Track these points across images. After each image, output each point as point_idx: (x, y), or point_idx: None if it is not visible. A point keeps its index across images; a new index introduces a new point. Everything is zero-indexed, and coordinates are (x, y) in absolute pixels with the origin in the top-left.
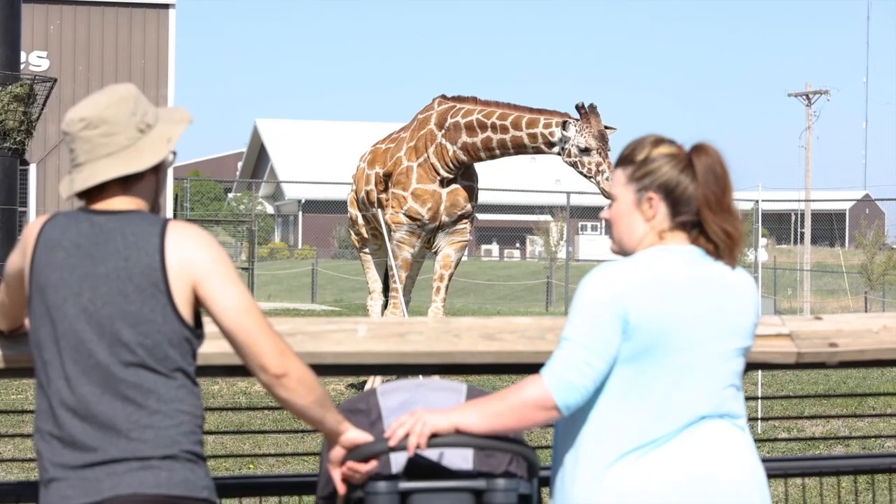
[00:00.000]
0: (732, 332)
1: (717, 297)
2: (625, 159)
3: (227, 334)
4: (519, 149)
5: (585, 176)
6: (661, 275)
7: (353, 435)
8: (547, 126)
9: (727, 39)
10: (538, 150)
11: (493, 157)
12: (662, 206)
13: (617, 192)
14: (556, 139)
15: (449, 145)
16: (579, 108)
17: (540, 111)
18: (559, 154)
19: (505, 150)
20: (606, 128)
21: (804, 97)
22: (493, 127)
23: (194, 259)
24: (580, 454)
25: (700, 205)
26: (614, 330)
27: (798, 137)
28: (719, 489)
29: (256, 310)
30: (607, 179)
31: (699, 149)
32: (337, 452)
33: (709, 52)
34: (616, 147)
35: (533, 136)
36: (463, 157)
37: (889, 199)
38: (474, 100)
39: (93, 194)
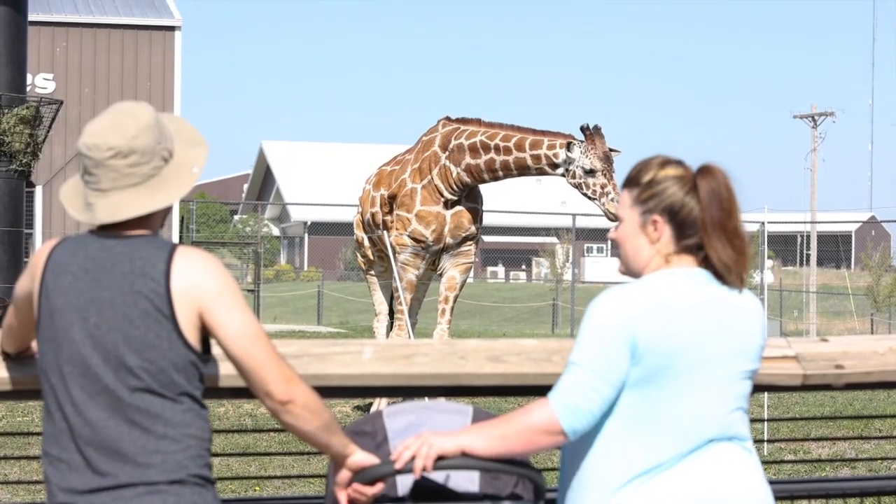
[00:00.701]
0: (740, 355)
1: (725, 320)
2: (631, 181)
3: (233, 361)
4: (522, 170)
5: (590, 198)
6: (668, 299)
7: (360, 458)
8: (551, 147)
9: (734, 61)
10: (542, 172)
11: (496, 178)
12: (668, 229)
13: (623, 214)
14: (560, 161)
15: (453, 167)
16: (584, 129)
17: (544, 132)
18: (563, 176)
19: (508, 171)
20: (611, 150)
21: (810, 119)
22: (497, 149)
23: (201, 286)
24: (587, 478)
25: (700, 228)
26: (622, 355)
27: (804, 159)
28: None
29: (263, 337)
30: (612, 201)
31: (704, 170)
32: (343, 475)
33: (716, 74)
34: (621, 168)
35: (536, 158)
36: (466, 179)
37: (895, 221)
38: (478, 121)
39: None
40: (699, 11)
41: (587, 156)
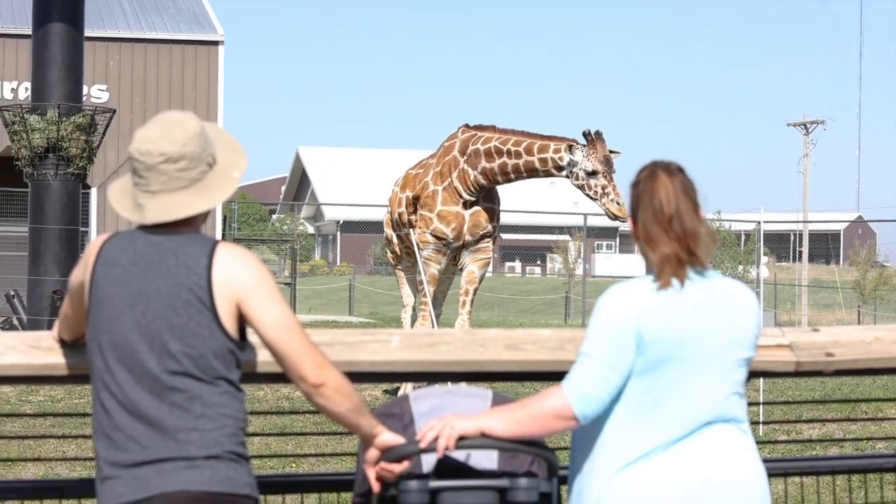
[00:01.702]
0: (736, 344)
1: (723, 312)
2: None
3: (269, 348)
4: (531, 173)
5: (591, 198)
6: (671, 293)
7: (387, 437)
8: (556, 151)
9: (733, 75)
10: (549, 174)
11: (508, 180)
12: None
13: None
14: (564, 163)
15: (470, 170)
16: (586, 134)
17: (550, 138)
18: (568, 177)
19: (519, 174)
20: (612, 152)
21: (802, 127)
22: (509, 153)
23: (239, 279)
24: (595, 458)
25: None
26: (629, 346)
27: (796, 164)
28: (724, 490)
29: (297, 326)
30: (612, 201)
31: (644, 173)
32: (372, 453)
33: (715, 86)
34: (621, 170)
35: (544, 161)
36: (483, 181)
37: (880, 221)
38: (493, 128)
39: None
40: (701, 28)
41: (588, 159)
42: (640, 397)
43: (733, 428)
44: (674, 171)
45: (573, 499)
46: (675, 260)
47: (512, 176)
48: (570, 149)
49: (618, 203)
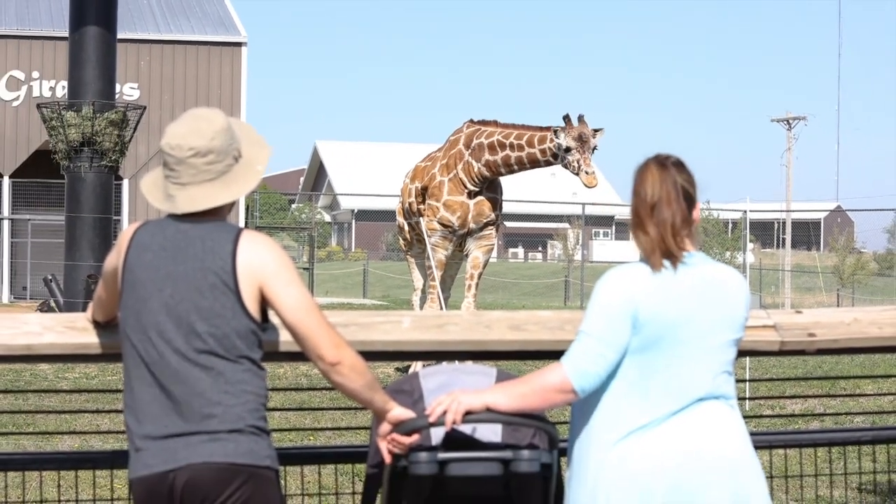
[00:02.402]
0: (727, 325)
1: (715, 295)
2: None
3: (289, 329)
4: (534, 164)
5: (572, 173)
6: (667, 277)
7: (398, 412)
8: (551, 140)
9: (719, 73)
10: (549, 163)
11: (511, 172)
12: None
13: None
14: (556, 149)
15: (474, 163)
16: (565, 117)
17: (546, 128)
18: (560, 163)
19: (522, 165)
20: (595, 131)
21: (785, 122)
22: (511, 146)
23: (262, 264)
24: (593, 431)
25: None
26: (625, 325)
27: (780, 157)
28: (715, 461)
29: (315, 308)
30: (586, 174)
31: (641, 167)
32: (384, 427)
33: (702, 84)
34: (612, 157)
35: (543, 151)
36: (486, 173)
37: (858, 210)
38: (495, 122)
39: None
40: (690, 29)
41: (566, 138)
42: (636, 375)
43: (723, 404)
44: (667, 163)
45: (572, 469)
46: (658, 245)
47: (515, 167)
48: (555, 133)
49: (586, 172)
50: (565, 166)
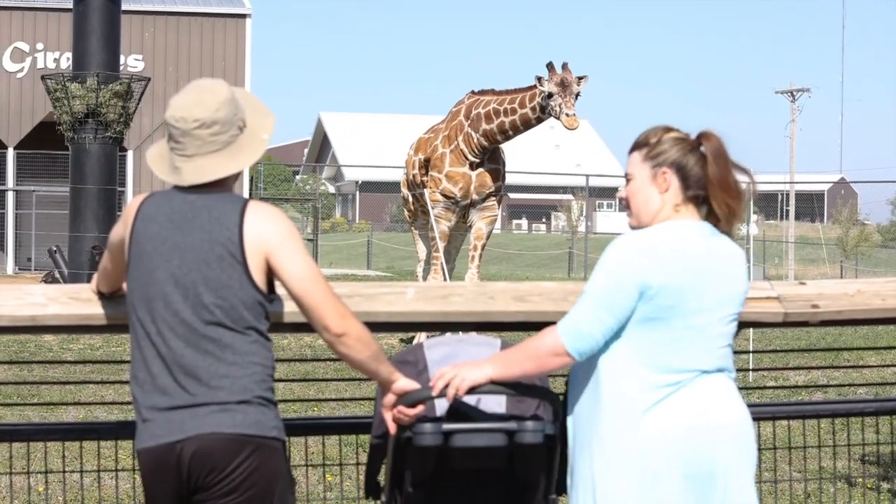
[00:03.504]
0: (731, 299)
1: (721, 268)
2: (639, 144)
3: (295, 299)
4: (527, 124)
5: (555, 118)
6: (678, 247)
7: (403, 383)
8: (539, 94)
9: (722, 43)
10: (540, 120)
11: (508, 138)
12: (675, 181)
13: (633, 172)
14: (544, 102)
15: (474, 133)
16: (548, 65)
17: (534, 86)
18: (550, 115)
19: (516, 129)
20: (579, 78)
21: (789, 94)
22: (506, 112)
23: (268, 234)
24: (601, 406)
25: (708, 183)
26: (630, 293)
27: (783, 129)
28: (718, 430)
29: (321, 278)
30: (566, 115)
31: (706, 135)
32: (389, 398)
33: (706, 55)
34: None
35: (533, 109)
36: (485, 143)
37: (861, 182)
38: (493, 91)
39: None
40: (695, 4)
41: (548, 84)
42: (643, 346)
43: (725, 376)
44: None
45: (578, 444)
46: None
47: (511, 133)
48: (539, 82)
49: (567, 114)
50: (549, 115)
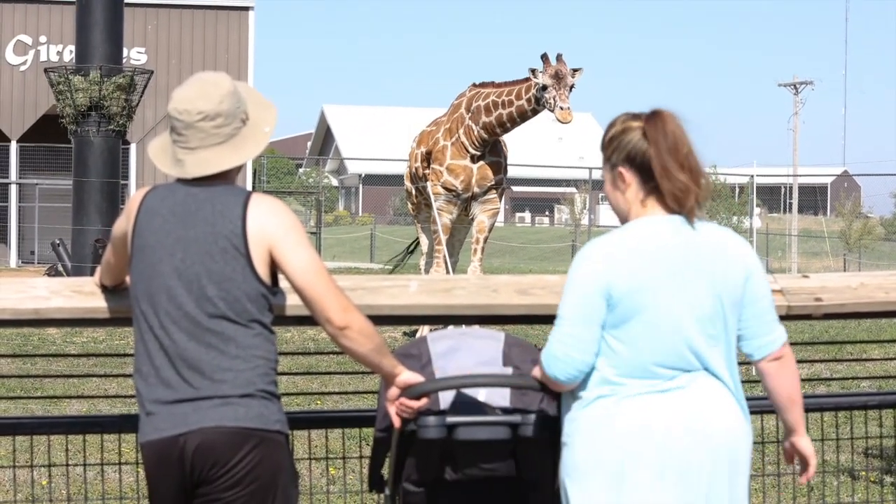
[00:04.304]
0: (718, 291)
1: (699, 259)
2: (601, 144)
3: (298, 292)
4: (523, 115)
5: (549, 110)
6: (639, 247)
7: (407, 376)
8: (535, 86)
9: (725, 36)
10: (536, 111)
11: (506, 130)
12: (633, 177)
13: (604, 174)
14: (539, 94)
15: (474, 126)
16: (543, 56)
17: (529, 78)
18: (545, 107)
19: (513, 121)
20: (574, 70)
21: (792, 87)
22: (503, 104)
23: (271, 227)
24: (579, 401)
25: (652, 166)
26: (597, 302)
27: (787, 121)
28: (697, 435)
29: (324, 271)
30: (560, 109)
31: (651, 115)
32: (392, 391)
33: (709, 48)
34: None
35: (529, 100)
36: (484, 135)
37: (864, 175)
38: (492, 84)
39: None
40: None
41: (543, 77)
42: (618, 346)
43: (713, 379)
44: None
45: (564, 431)
46: (688, 194)
47: (508, 125)
48: (533, 74)
49: (561, 107)
50: (543, 106)
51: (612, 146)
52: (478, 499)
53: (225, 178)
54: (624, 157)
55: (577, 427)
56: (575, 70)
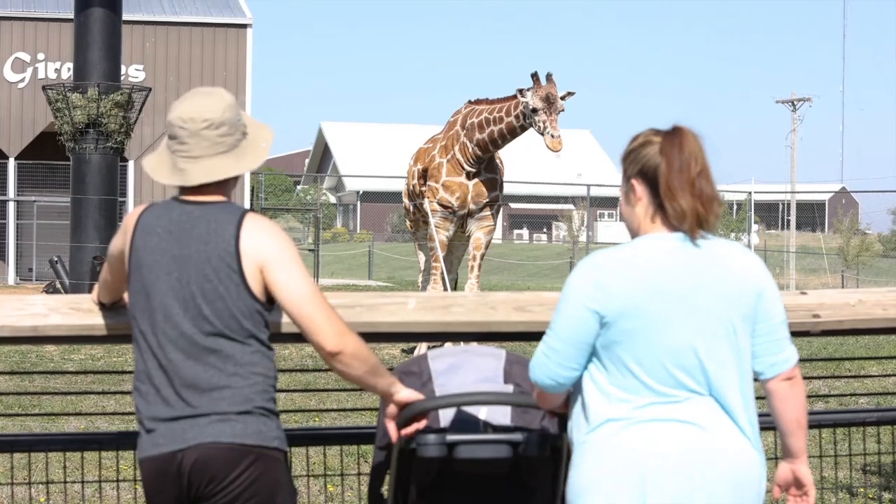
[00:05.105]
0: (725, 310)
1: (705, 280)
2: (621, 157)
3: (290, 316)
4: (512, 132)
5: (538, 133)
6: (637, 264)
7: (406, 394)
8: (522, 104)
9: (723, 53)
10: (524, 128)
11: (497, 147)
12: (645, 191)
13: (620, 189)
14: (526, 109)
15: (468, 143)
16: (533, 76)
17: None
18: (532, 125)
19: (504, 138)
20: (568, 93)
21: (790, 104)
22: (495, 121)
23: (263, 247)
24: (583, 424)
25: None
26: (585, 319)
27: (784, 138)
28: (700, 459)
29: (316, 294)
30: (551, 136)
31: (669, 132)
32: (391, 409)
33: (707, 65)
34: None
35: (517, 117)
36: (479, 152)
37: (862, 191)
38: (487, 101)
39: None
40: (695, 8)
41: (533, 98)
42: (616, 368)
43: (712, 403)
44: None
45: (574, 450)
46: (693, 216)
47: (499, 142)
48: (521, 93)
49: (552, 135)
50: (531, 125)
51: (630, 159)
52: None
53: (221, 193)
54: (637, 171)
55: (584, 451)
56: (566, 94)
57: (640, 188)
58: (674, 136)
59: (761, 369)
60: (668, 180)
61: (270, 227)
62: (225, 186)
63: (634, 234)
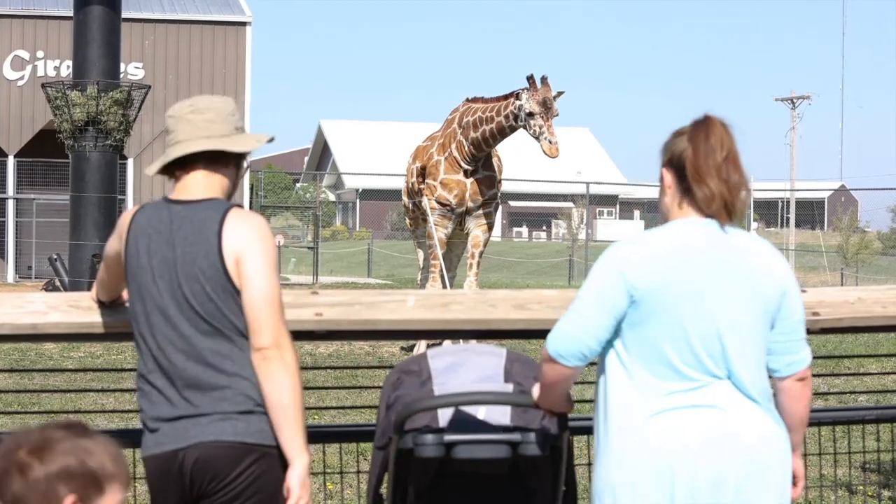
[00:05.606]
0: (752, 300)
1: (732, 267)
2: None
3: (243, 309)
4: (502, 132)
5: (533, 137)
6: (666, 248)
7: (296, 474)
8: (512, 104)
9: (723, 51)
10: (514, 129)
11: (489, 146)
12: (673, 179)
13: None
14: (518, 111)
15: (465, 141)
16: (529, 78)
17: (512, 94)
18: (524, 127)
19: (494, 138)
20: (558, 93)
21: (789, 101)
22: (487, 120)
23: (240, 239)
24: (609, 412)
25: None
26: (617, 292)
27: (784, 136)
28: (729, 443)
29: (275, 299)
30: (548, 141)
31: (698, 121)
32: (294, 478)
33: (706, 63)
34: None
35: (507, 117)
36: (474, 151)
37: (861, 189)
38: (483, 99)
39: (178, 174)
40: (694, 6)
41: (529, 101)
42: (643, 351)
43: (734, 390)
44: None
45: (598, 449)
46: (720, 201)
47: (491, 141)
48: (517, 96)
49: (549, 141)
50: (525, 128)
51: (664, 149)
52: None
53: (213, 193)
54: (667, 160)
55: (610, 444)
56: (557, 94)
57: (668, 176)
58: (701, 123)
59: (777, 367)
60: (694, 165)
61: (251, 222)
62: (219, 183)
63: (666, 220)
